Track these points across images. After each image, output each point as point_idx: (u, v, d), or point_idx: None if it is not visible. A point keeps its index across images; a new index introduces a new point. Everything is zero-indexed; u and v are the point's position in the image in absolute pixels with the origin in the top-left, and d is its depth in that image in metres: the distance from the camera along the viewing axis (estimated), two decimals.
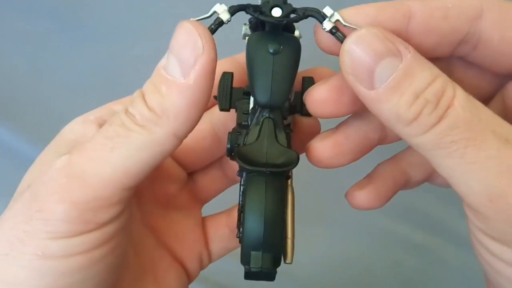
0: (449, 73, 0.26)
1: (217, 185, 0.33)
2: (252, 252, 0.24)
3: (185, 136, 0.23)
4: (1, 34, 0.51)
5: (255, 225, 0.23)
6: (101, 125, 0.27)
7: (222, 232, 0.32)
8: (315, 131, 0.30)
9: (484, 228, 0.22)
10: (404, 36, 0.23)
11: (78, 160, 0.23)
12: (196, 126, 0.30)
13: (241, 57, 0.29)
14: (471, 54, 0.25)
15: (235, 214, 0.32)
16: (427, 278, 0.54)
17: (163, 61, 0.22)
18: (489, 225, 0.22)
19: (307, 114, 0.27)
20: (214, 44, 0.22)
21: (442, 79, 0.21)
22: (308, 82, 0.28)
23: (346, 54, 0.22)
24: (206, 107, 0.23)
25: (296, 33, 0.26)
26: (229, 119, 0.30)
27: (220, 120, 0.30)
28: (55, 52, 0.52)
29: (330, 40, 0.23)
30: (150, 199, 0.30)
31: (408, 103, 0.21)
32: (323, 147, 0.26)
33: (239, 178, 0.30)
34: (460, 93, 0.21)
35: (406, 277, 0.54)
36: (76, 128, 0.27)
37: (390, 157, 0.29)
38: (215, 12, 0.23)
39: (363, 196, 0.27)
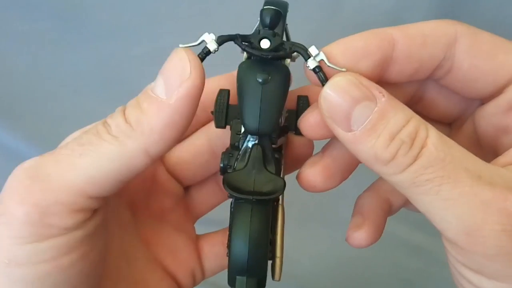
0: (423, 94, 0.28)
1: (212, 200, 0.33)
2: (238, 277, 0.24)
3: (157, 156, 0.23)
4: (1, 34, 0.51)
5: (240, 251, 0.24)
6: None
7: (218, 250, 0.32)
8: (308, 149, 0.30)
9: (462, 260, 0.23)
10: (389, 62, 0.25)
11: (45, 162, 0.23)
12: (193, 141, 0.31)
13: None
14: (444, 78, 0.26)
15: None
16: (426, 279, 0.54)
17: (152, 83, 0.23)
18: (467, 258, 0.22)
19: (300, 133, 0.27)
20: (203, 73, 0.22)
21: (415, 120, 0.22)
22: (303, 101, 0.28)
23: (324, 100, 0.23)
24: (182, 132, 0.23)
25: (287, 61, 0.26)
26: (226, 134, 0.30)
27: (217, 135, 0.31)
28: (56, 52, 0.52)
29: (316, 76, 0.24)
30: (145, 212, 0.31)
31: (385, 144, 0.22)
32: (313, 173, 0.27)
33: None
34: (433, 133, 0.22)
35: (406, 278, 0.54)
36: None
37: (368, 187, 0.30)
38: (203, 41, 0.24)
39: (363, 236, 0.28)
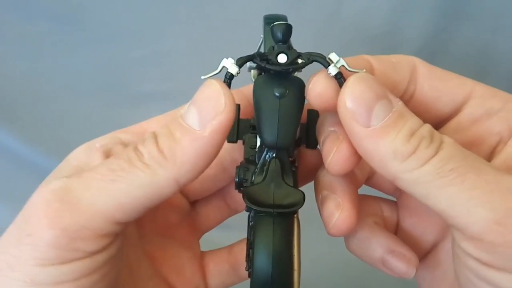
0: None
1: (218, 215, 0.33)
2: None
3: (185, 185, 0.23)
4: (1, 36, 0.51)
5: (263, 265, 0.24)
6: (105, 153, 0.27)
7: (222, 268, 0.32)
8: (318, 163, 0.30)
9: (486, 258, 0.22)
10: None
11: (75, 185, 0.23)
12: None
13: (247, 89, 0.30)
14: (410, 101, 0.27)
15: (236, 250, 0.32)
16: None
17: (182, 111, 0.23)
18: (493, 253, 0.21)
19: (312, 146, 0.28)
20: (235, 106, 0.22)
21: (428, 124, 0.23)
22: (313, 114, 0.28)
23: (348, 89, 0.23)
24: (211, 162, 0.23)
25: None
26: (235, 148, 0.30)
27: (226, 149, 0.30)
28: (55, 55, 0.52)
29: (326, 99, 0.24)
30: (151, 228, 0.31)
31: (406, 138, 0.22)
32: (342, 220, 0.26)
33: (239, 208, 0.31)
34: (445, 135, 0.23)
35: (406, 280, 0.54)
36: (81, 155, 0.27)
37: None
38: (224, 67, 0.24)
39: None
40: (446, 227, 0.29)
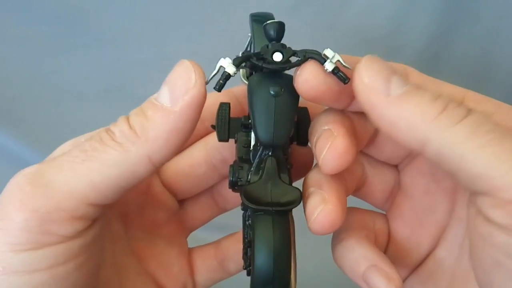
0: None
1: (207, 214, 0.33)
2: None
3: (160, 164, 0.23)
4: (2, 39, 0.51)
5: (265, 263, 0.24)
6: None
7: (209, 264, 0.32)
8: (309, 160, 0.30)
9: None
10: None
11: (47, 169, 0.23)
12: (191, 152, 0.31)
13: (237, 89, 0.30)
14: None
15: (224, 246, 0.32)
16: None
17: (156, 94, 0.23)
18: None
19: (303, 144, 0.28)
20: (205, 82, 0.23)
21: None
22: (303, 112, 0.29)
23: (364, 66, 0.23)
24: (186, 139, 0.23)
25: None
26: (224, 147, 0.30)
27: (215, 148, 0.31)
28: (57, 57, 0.52)
29: (313, 84, 0.24)
30: (138, 225, 0.30)
31: (431, 99, 0.22)
32: (325, 214, 0.25)
33: (228, 207, 0.32)
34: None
35: None
36: (65, 148, 0.27)
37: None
38: (221, 66, 0.24)
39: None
40: (438, 237, 0.28)
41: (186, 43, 0.50)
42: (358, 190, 0.30)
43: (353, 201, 0.29)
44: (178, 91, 0.22)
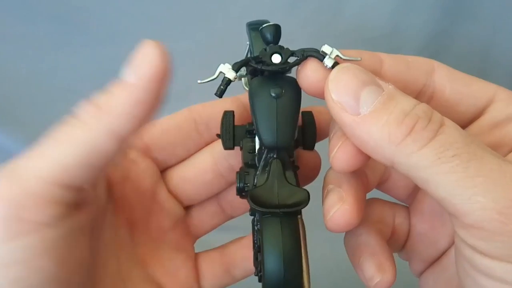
0: None
1: (213, 220, 0.33)
2: None
3: (126, 138, 0.22)
4: (1, 37, 0.51)
5: (275, 267, 0.24)
6: None
7: (216, 270, 0.32)
8: (316, 164, 0.30)
9: (483, 246, 0.21)
10: (379, 75, 0.25)
11: (19, 160, 0.23)
12: (197, 159, 0.31)
13: (243, 96, 0.30)
14: (428, 104, 0.26)
15: (230, 251, 0.32)
16: None
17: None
18: (493, 242, 0.21)
19: (309, 148, 0.28)
20: (168, 56, 0.22)
21: (425, 104, 0.22)
22: (308, 116, 0.29)
23: (332, 82, 0.23)
24: (151, 112, 0.23)
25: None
26: (230, 154, 0.30)
27: (221, 155, 0.31)
28: (57, 56, 0.52)
29: (314, 80, 0.24)
30: (143, 231, 0.30)
31: (398, 120, 0.21)
32: (341, 213, 0.25)
33: (235, 214, 0.32)
34: (446, 118, 0.22)
35: (408, 280, 0.54)
36: None
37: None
38: (221, 72, 0.24)
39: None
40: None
41: (185, 42, 0.50)
42: (381, 184, 0.30)
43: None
44: (140, 67, 0.22)
